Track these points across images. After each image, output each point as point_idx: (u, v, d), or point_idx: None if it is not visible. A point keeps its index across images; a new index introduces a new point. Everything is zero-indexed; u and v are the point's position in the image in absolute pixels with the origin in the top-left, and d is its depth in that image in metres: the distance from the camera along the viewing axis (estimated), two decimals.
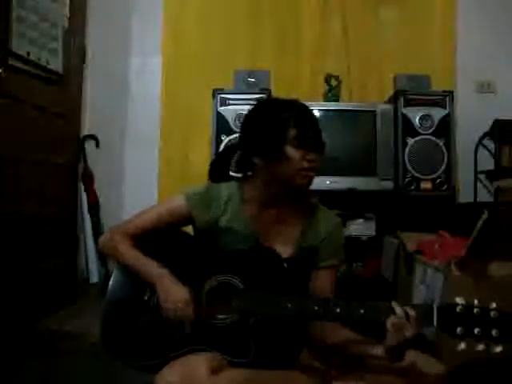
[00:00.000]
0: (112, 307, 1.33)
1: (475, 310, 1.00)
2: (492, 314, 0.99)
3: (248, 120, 1.35)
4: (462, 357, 1.03)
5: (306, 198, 1.37)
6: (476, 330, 0.98)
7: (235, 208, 1.32)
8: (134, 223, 1.36)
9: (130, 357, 1.25)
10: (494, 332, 0.98)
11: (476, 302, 1.01)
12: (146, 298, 1.28)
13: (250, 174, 1.36)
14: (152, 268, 1.27)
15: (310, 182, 1.29)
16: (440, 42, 3.66)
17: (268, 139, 1.26)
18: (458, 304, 1.01)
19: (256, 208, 1.33)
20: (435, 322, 1.03)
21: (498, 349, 0.97)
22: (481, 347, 0.98)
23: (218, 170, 1.46)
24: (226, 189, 1.35)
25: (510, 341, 0.97)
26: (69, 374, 1.97)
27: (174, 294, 1.22)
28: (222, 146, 3.07)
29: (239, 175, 1.40)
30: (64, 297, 2.91)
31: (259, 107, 1.37)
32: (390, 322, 1.05)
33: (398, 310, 1.05)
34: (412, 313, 1.04)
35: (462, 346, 0.99)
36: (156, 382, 1.10)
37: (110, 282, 1.35)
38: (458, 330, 0.99)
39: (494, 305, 1.00)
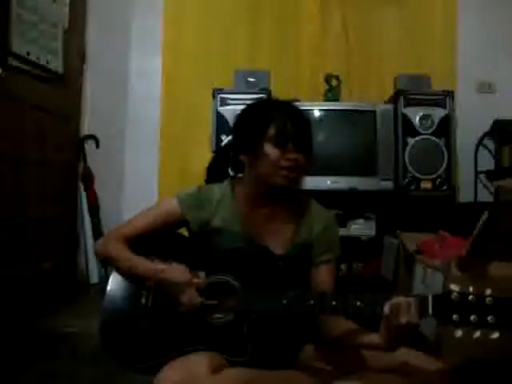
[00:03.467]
0: (111, 309, 1.33)
1: (470, 297, 1.00)
2: (487, 300, 0.99)
3: (237, 119, 1.38)
4: (460, 346, 1.02)
5: (298, 196, 1.37)
6: (472, 317, 0.98)
7: (228, 208, 1.33)
8: (127, 228, 1.37)
9: (130, 358, 1.25)
10: (489, 318, 0.98)
11: (471, 289, 1.01)
12: (145, 299, 1.28)
13: (240, 174, 1.38)
14: (148, 265, 1.28)
15: (291, 182, 1.28)
16: (440, 41, 3.66)
17: (249, 136, 1.29)
18: (452, 292, 1.01)
19: (248, 207, 1.33)
20: (430, 310, 1.02)
21: (495, 335, 0.97)
22: (477, 334, 0.98)
23: (215, 173, 1.47)
24: (218, 189, 1.36)
25: (507, 326, 0.97)
26: (69, 375, 1.97)
27: (176, 271, 1.23)
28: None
29: (233, 175, 1.41)
30: (64, 297, 2.91)
31: (249, 107, 1.40)
32: (388, 307, 1.05)
33: (393, 299, 1.06)
34: (409, 300, 1.04)
35: (459, 333, 0.99)
36: (156, 381, 1.10)
37: (109, 283, 1.36)
38: (454, 317, 0.99)
39: (488, 291, 1.00)
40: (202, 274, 1.25)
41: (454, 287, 1.01)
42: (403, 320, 1.02)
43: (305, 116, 1.35)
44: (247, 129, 1.32)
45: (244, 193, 1.34)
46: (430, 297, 1.03)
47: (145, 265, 1.29)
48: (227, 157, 1.45)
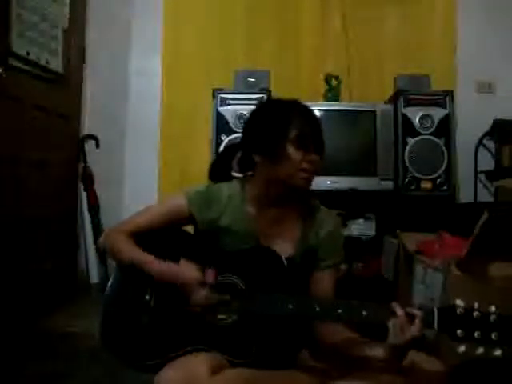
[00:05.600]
0: (112, 307, 1.33)
1: (475, 314, 1.00)
2: (491, 317, 0.99)
3: (251, 118, 1.37)
4: (461, 359, 1.03)
5: (306, 199, 1.37)
6: (476, 334, 0.99)
7: (236, 208, 1.32)
8: (134, 222, 1.35)
9: (130, 357, 1.25)
10: (493, 335, 0.98)
11: (476, 305, 1.01)
12: (146, 297, 1.28)
13: (250, 173, 1.36)
14: (152, 263, 1.26)
15: (308, 183, 1.29)
16: (440, 42, 3.66)
17: (269, 137, 1.27)
18: (458, 306, 1.02)
19: (256, 208, 1.33)
20: (436, 324, 1.03)
21: (498, 352, 0.98)
22: (480, 350, 0.98)
23: (218, 170, 1.46)
24: (226, 189, 1.35)
25: (509, 344, 0.97)
26: (69, 375, 1.97)
27: (182, 271, 1.22)
28: (222, 146, 3.07)
29: (240, 175, 1.40)
30: (64, 297, 2.91)
31: (263, 106, 1.40)
32: (392, 323, 1.05)
33: (400, 311, 1.05)
34: (415, 313, 1.04)
35: (462, 348, 0.99)
36: (156, 381, 1.10)
37: (110, 282, 1.35)
38: (458, 332, 1.00)
39: (493, 308, 1.00)
40: (211, 271, 1.23)
41: (459, 302, 1.02)
42: (409, 335, 1.03)
43: (317, 116, 1.35)
44: (265, 129, 1.30)
45: (253, 193, 1.33)
46: (435, 310, 1.03)
47: (150, 260, 1.27)
48: (232, 156, 1.44)
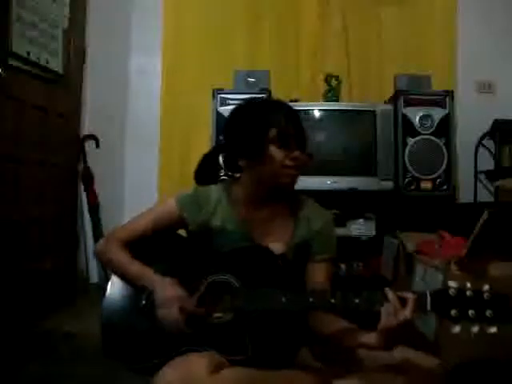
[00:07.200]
0: (111, 310, 1.33)
1: (468, 293, 1.00)
2: (485, 295, 0.99)
3: (230, 122, 1.37)
4: (459, 342, 1.03)
5: (295, 195, 1.38)
6: (470, 312, 0.99)
7: (225, 209, 1.33)
8: (128, 230, 1.37)
9: (130, 359, 1.25)
10: (488, 313, 0.98)
11: (469, 284, 1.01)
12: (143, 300, 1.28)
13: (237, 175, 1.37)
14: (146, 276, 1.28)
15: (294, 180, 1.30)
16: (440, 42, 3.67)
17: (250, 141, 1.28)
18: (450, 287, 1.02)
19: (246, 208, 1.34)
20: (429, 306, 1.03)
21: (493, 329, 0.97)
22: (476, 329, 0.98)
23: (204, 172, 1.47)
24: (215, 191, 1.36)
25: (505, 321, 0.97)
26: (68, 375, 1.97)
27: (165, 298, 1.22)
28: None
29: (229, 175, 1.41)
30: (64, 297, 2.91)
31: (240, 109, 1.38)
32: (385, 307, 1.05)
33: (391, 295, 1.06)
34: (407, 296, 1.05)
35: (457, 328, 0.99)
36: (155, 382, 1.09)
37: (109, 284, 1.36)
38: (453, 312, 1.00)
39: (486, 286, 1.00)
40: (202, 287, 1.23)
41: (451, 283, 1.02)
42: (401, 318, 1.03)
43: (296, 111, 1.35)
44: (245, 133, 1.30)
45: (242, 194, 1.34)
46: (428, 293, 1.03)
47: (138, 274, 1.29)
48: (216, 159, 1.45)
